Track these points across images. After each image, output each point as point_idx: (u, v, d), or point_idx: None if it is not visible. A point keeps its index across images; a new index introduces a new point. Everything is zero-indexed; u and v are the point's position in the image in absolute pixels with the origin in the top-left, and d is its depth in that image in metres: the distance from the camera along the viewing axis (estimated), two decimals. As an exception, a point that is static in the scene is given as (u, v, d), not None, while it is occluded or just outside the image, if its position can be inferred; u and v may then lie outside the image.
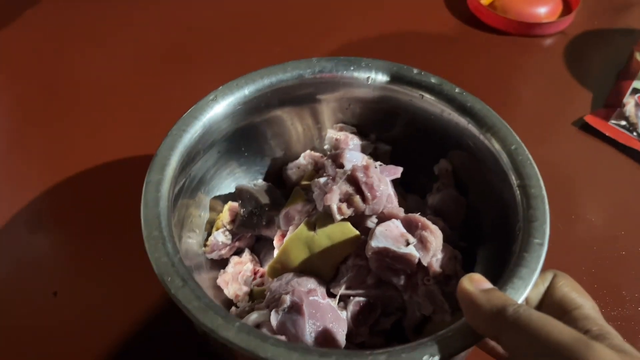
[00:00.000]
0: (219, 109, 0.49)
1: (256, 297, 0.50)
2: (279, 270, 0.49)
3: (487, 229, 0.52)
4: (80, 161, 0.65)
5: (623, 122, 0.73)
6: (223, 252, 0.53)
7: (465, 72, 0.78)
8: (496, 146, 0.47)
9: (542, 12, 0.88)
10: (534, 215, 0.42)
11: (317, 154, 0.57)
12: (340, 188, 0.47)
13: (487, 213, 0.52)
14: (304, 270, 0.48)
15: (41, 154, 0.68)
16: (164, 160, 0.44)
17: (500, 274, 0.41)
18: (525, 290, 0.38)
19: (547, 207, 0.42)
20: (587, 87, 0.79)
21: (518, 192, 0.44)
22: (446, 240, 0.50)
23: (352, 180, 0.47)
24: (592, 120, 0.74)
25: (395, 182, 0.56)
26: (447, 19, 0.89)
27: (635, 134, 0.72)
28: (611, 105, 0.76)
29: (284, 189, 0.58)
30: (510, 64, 0.83)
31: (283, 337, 0.42)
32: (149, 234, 0.40)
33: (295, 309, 0.43)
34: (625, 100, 0.75)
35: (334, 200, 0.46)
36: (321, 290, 0.46)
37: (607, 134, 0.72)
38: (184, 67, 0.80)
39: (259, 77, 0.51)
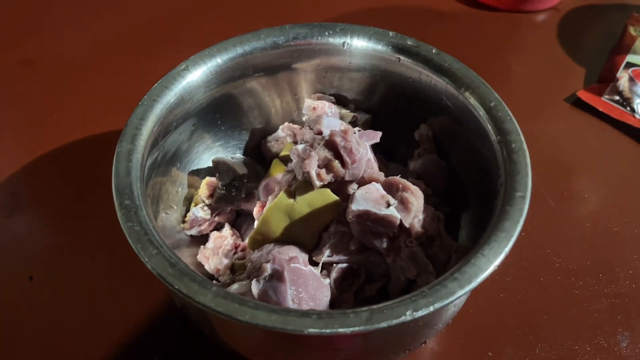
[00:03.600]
0: (191, 78, 0.48)
1: (238, 270, 0.49)
2: (259, 241, 0.48)
3: (471, 193, 0.51)
4: (56, 139, 0.64)
5: (617, 97, 0.71)
6: (202, 227, 0.52)
7: (456, 49, 0.75)
8: (475, 104, 0.46)
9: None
10: (515, 168, 0.41)
11: (296, 126, 0.56)
12: (319, 153, 0.46)
13: (469, 176, 0.51)
14: (285, 239, 0.47)
15: (15, 132, 0.66)
16: (134, 130, 0.43)
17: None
18: (508, 243, 0.37)
19: (528, 160, 0.41)
20: (580, 62, 0.78)
21: (498, 147, 0.43)
22: (428, 204, 0.50)
23: (330, 145, 0.46)
24: (585, 95, 0.72)
25: (376, 150, 0.55)
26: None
27: (629, 108, 0.70)
28: (605, 81, 0.74)
29: (263, 163, 0.56)
30: (502, 40, 0.81)
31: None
32: (121, 202, 0.39)
33: (277, 276, 0.42)
34: (618, 74, 0.73)
35: (312, 166, 0.45)
36: (303, 258, 0.45)
37: (600, 110, 0.70)
38: (164, 43, 0.78)
39: (232, 46, 0.50)
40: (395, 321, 0.33)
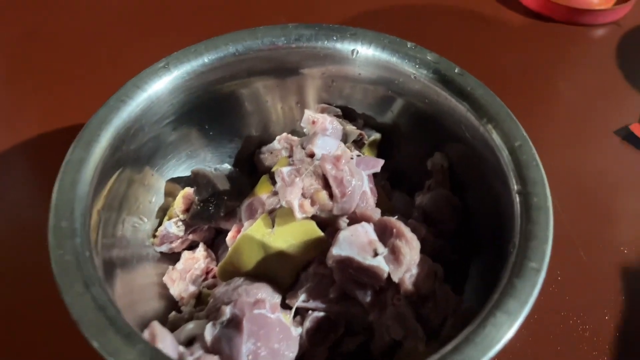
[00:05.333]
0: (170, 78, 0.42)
1: (205, 300, 0.43)
2: (229, 272, 0.42)
3: (484, 240, 0.43)
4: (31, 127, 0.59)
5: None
6: (174, 245, 0.46)
7: (495, 61, 0.67)
8: (497, 141, 0.38)
9: (596, -3, 0.74)
10: (533, 231, 0.33)
11: (295, 139, 0.49)
12: (304, 181, 0.39)
13: (484, 219, 0.43)
14: (258, 274, 0.41)
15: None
16: (91, 135, 0.37)
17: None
18: (509, 330, 0.30)
19: (551, 222, 0.34)
20: (639, 89, 0.67)
21: (517, 199, 0.35)
22: (435, 250, 0.43)
23: (320, 172, 0.40)
24: (639, 130, 0.62)
25: (381, 177, 0.48)
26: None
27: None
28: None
29: (255, 175, 0.50)
30: (550, 55, 0.70)
31: (216, 358, 0.34)
32: (56, 224, 0.33)
33: (234, 323, 0.36)
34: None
35: (294, 195, 0.39)
36: (272, 302, 0.38)
37: None
38: (163, 26, 0.72)
39: (223, 44, 0.43)
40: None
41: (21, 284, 0.49)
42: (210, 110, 0.47)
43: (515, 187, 0.36)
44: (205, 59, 0.43)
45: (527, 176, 0.36)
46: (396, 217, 0.38)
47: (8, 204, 0.54)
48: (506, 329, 0.30)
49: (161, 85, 0.41)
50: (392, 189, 0.49)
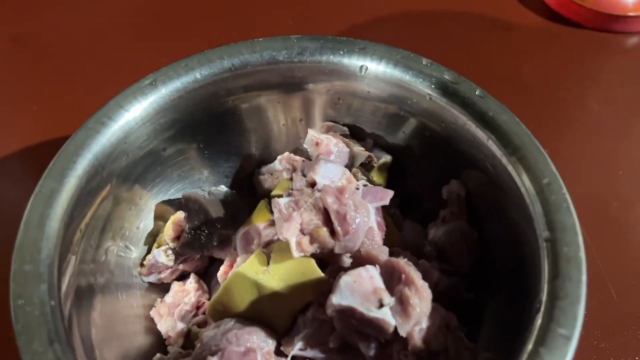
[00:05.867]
0: (156, 97, 0.37)
1: (194, 339, 0.39)
2: (220, 312, 0.38)
3: (504, 279, 0.39)
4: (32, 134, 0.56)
5: None
6: (163, 275, 0.42)
7: (515, 70, 0.61)
8: (523, 177, 0.34)
9: (630, 1, 0.66)
10: (562, 288, 0.29)
11: (298, 159, 0.45)
12: (303, 216, 0.35)
13: (505, 259, 0.39)
14: (251, 316, 0.37)
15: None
16: (66, 163, 0.34)
17: (510, 352, 0.29)
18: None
19: (584, 278, 0.29)
20: None
21: (545, 247, 0.31)
22: (448, 289, 0.38)
23: (321, 205, 0.35)
24: None
25: (391, 203, 0.43)
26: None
27: None
28: None
29: (254, 197, 0.46)
30: (578, 65, 0.64)
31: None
32: (19, 267, 0.29)
33: (221, 378, 0.32)
34: None
35: (292, 232, 0.35)
36: (265, 350, 0.35)
37: None
38: (171, 32, 0.68)
39: (217, 58, 0.39)
40: None
41: None
42: (204, 127, 0.43)
43: (542, 233, 0.31)
44: (198, 74, 0.39)
45: (557, 220, 0.31)
46: (405, 259, 0.34)
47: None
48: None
49: (146, 105, 0.37)
50: (403, 216, 0.44)
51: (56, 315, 0.28)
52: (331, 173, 0.38)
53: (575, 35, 0.67)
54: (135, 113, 0.37)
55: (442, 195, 0.42)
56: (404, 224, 0.44)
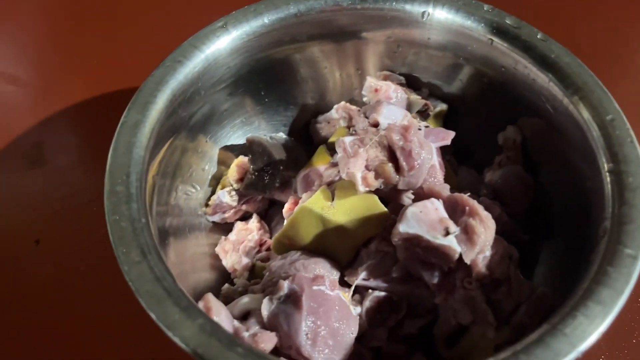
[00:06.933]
0: (228, 39, 0.39)
1: (258, 273, 0.42)
2: (285, 245, 0.40)
3: (559, 222, 0.40)
4: (89, 89, 0.58)
5: None
6: (227, 215, 0.44)
7: (584, 25, 0.61)
8: (585, 115, 0.35)
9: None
10: (628, 214, 0.30)
11: (354, 108, 0.47)
12: (369, 152, 0.36)
13: (561, 200, 0.40)
14: (315, 249, 0.39)
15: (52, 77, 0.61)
16: (147, 97, 0.35)
17: (570, 286, 0.31)
18: (603, 322, 0.27)
19: (649, 205, 0.30)
20: None
21: (609, 179, 0.32)
22: (504, 230, 0.40)
23: (385, 143, 0.37)
24: None
25: (446, 151, 0.45)
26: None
27: None
28: None
29: (310, 146, 0.48)
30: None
31: (272, 335, 0.33)
32: (111, 188, 0.31)
33: (293, 299, 0.34)
34: None
35: (358, 168, 0.36)
36: (331, 278, 0.36)
37: None
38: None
39: (284, 3, 0.41)
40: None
41: (77, 249, 0.48)
42: (267, 74, 0.44)
43: (606, 165, 0.32)
44: (265, 19, 0.40)
45: (621, 153, 0.32)
46: (468, 194, 0.35)
47: (59, 168, 0.53)
48: (599, 321, 0.27)
49: (219, 46, 0.39)
50: (459, 164, 0.45)
51: (147, 232, 0.30)
52: (393, 114, 0.40)
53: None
54: (207, 53, 0.38)
55: (498, 141, 0.43)
56: (459, 170, 0.45)
